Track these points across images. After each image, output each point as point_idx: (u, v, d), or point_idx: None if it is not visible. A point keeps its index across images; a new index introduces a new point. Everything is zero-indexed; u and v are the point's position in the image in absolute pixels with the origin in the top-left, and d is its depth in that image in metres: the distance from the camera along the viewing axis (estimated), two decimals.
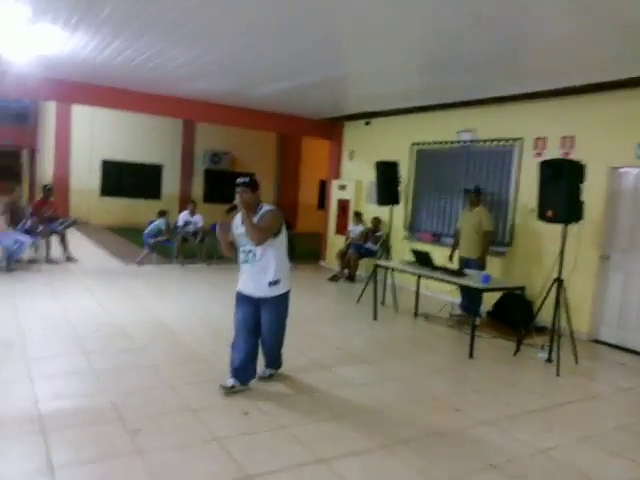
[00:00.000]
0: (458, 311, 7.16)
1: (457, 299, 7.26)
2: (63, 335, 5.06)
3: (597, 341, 6.42)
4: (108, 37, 5.62)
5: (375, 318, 6.68)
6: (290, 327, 4.20)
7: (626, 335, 6.21)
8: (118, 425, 3.34)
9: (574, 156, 6.31)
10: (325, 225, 11.07)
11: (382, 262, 6.94)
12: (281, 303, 4.04)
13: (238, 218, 3.99)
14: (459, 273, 5.96)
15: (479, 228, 6.75)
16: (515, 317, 6.47)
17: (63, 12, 4.86)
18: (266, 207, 3.96)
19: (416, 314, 7.03)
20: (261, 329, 4.06)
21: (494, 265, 7.10)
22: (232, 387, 3.93)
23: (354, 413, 3.85)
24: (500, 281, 6.31)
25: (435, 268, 6.15)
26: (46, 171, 14.35)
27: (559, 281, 5.40)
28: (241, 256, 4.00)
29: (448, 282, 5.94)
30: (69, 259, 8.68)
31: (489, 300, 6.79)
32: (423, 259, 6.31)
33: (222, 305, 6.41)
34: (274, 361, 4.30)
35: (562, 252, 5.36)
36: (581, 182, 5.14)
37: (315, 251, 11.30)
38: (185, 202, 15.86)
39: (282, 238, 3.99)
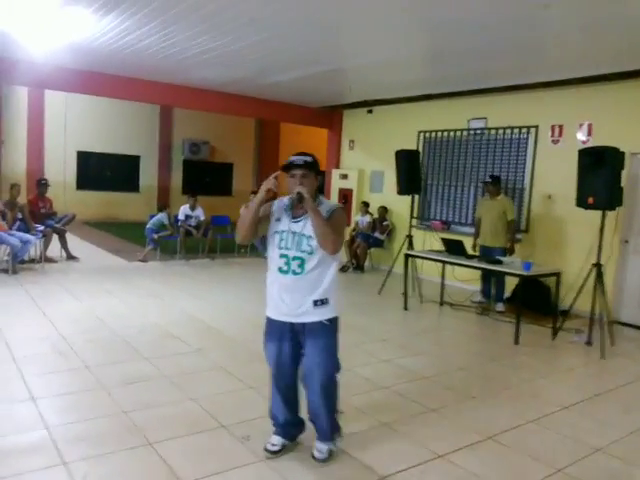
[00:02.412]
0: (478, 298, 7.26)
1: (472, 287, 7.35)
2: (108, 339, 4.79)
3: (618, 322, 6.66)
4: (140, 22, 5.34)
5: (406, 308, 6.69)
6: None
7: None
8: (223, 432, 3.19)
9: (593, 142, 6.48)
10: None
11: (413, 252, 6.92)
12: (330, 333, 2.85)
13: (278, 207, 2.86)
14: (497, 261, 6.03)
15: (504, 217, 6.82)
16: (536, 302, 6.67)
17: None
18: (327, 201, 2.88)
19: (441, 303, 7.09)
20: (304, 374, 2.88)
21: None
22: (280, 450, 2.98)
23: (446, 405, 3.82)
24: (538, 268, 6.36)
25: (469, 257, 6.21)
26: (17, 164, 13.56)
27: (598, 266, 5.54)
28: (277, 263, 2.80)
29: (489, 271, 6.00)
30: (70, 257, 8.24)
31: (508, 287, 6.90)
32: (455, 248, 6.34)
33: (251, 302, 6.28)
34: (328, 428, 2.97)
35: (601, 237, 5.50)
36: (622, 169, 5.28)
37: None
38: (164, 194, 15.43)
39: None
